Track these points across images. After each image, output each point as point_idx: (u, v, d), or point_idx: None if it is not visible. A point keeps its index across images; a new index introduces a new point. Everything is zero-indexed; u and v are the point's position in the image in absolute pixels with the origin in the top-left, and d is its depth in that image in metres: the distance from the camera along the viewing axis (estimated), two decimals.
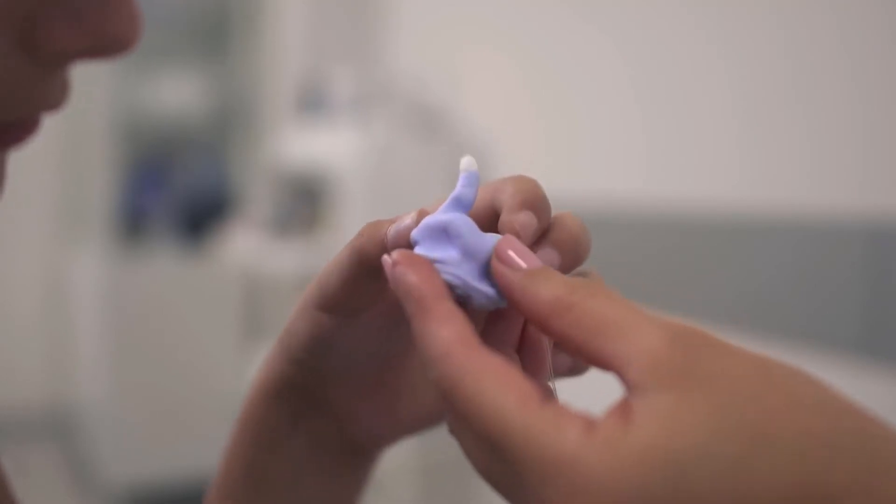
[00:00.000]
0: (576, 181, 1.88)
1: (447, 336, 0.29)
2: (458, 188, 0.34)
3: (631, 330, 0.27)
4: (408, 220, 0.34)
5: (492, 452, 0.27)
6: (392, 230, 0.34)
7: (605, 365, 0.27)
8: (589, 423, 0.26)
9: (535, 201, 0.35)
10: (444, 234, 0.33)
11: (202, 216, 3.54)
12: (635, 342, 0.26)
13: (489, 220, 0.36)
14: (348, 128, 2.47)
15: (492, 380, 0.27)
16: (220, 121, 3.86)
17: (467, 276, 0.32)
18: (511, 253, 0.31)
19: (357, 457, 0.43)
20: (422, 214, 0.34)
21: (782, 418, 0.25)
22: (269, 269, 2.78)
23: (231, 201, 3.60)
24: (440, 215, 0.33)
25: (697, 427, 0.24)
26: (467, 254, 0.32)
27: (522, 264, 0.31)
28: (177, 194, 3.58)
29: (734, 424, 0.24)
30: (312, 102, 2.80)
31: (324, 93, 2.73)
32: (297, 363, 0.39)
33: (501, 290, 0.31)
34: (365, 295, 0.36)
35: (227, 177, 3.75)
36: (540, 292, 0.29)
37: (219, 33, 3.84)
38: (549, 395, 0.29)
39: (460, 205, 0.34)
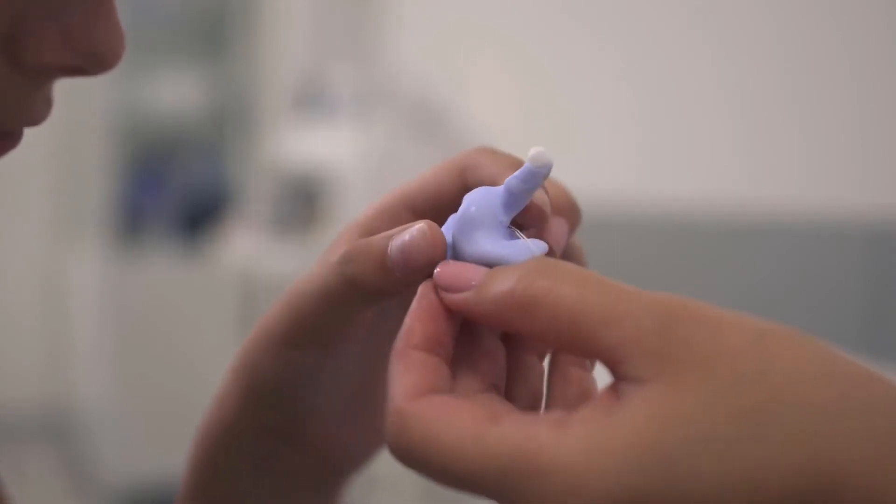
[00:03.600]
0: (578, 182, 1.87)
1: (398, 388, 0.26)
2: (514, 179, 0.29)
3: (613, 316, 0.24)
4: (407, 236, 0.29)
5: (474, 491, 0.24)
6: (396, 248, 0.29)
7: (590, 357, 0.25)
8: (560, 419, 0.24)
9: (564, 201, 0.31)
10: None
11: (200, 216, 3.53)
12: (620, 330, 0.24)
13: (451, 203, 0.32)
14: (348, 127, 2.46)
15: (437, 421, 0.24)
16: (219, 120, 3.85)
17: None
18: (454, 278, 0.27)
19: (336, 483, 0.39)
20: (431, 232, 0.29)
21: (783, 396, 0.23)
22: (267, 269, 2.78)
23: (229, 201, 3.59)
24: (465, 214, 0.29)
25: (694, 413, 0.22)
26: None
27: (472, 282, 0.27)
28: (175, 194, 3.57)
29: (733, 407, 0.22)
30: (312, 101, 2.80)
31: (324, 91, 2.73)
32: (263, 405, 0.35)
33: (462, 315, 0.28)
34: (352, 325, 0.32)
35: (226, 177, 3.75)
36: (499, 293, 0.26)
37: (217, 31, 3.83)
38: (512, 405, 0.26)
39: (510, 200, 0.29)
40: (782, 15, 1.42)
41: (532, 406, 0.30)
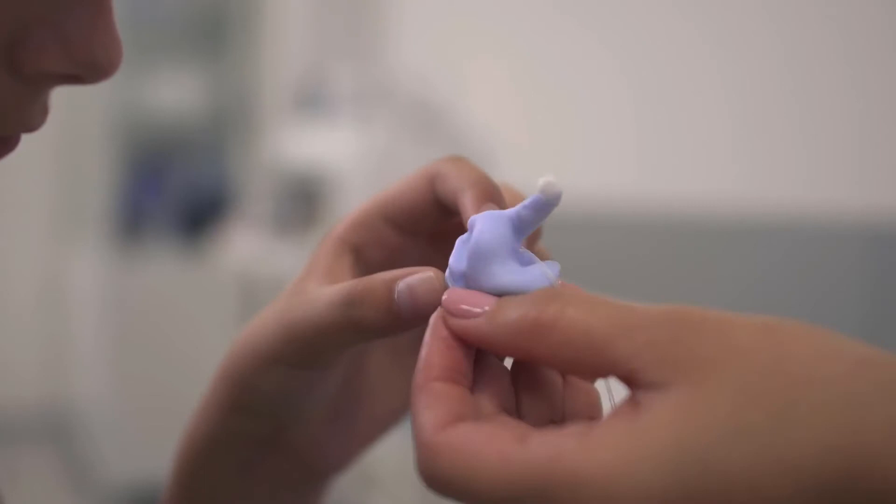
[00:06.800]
0: (578, 181, 1.87)
1: (424, 422, 0.26)
2: (525, 209, 0.29)
3: (624, 329, 0.25)
4: (416, 282, 0.30)
5: None
6: (405, 293, 0.30)
7: (606, 373, 0.25)
8: (583, 430, 0.24)
9: (492, 192, 0.32)
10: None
11: (200, 216, 3.53)
12: (633, 342, 0.25)
13: (426, 212, 0.34)
14: (348, 127, 2.46)
15: (466, 449, 0.25)
16: (219, 120, 3.85)
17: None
18: (464, 305, 0.28)
19: (319, 485, 0.40)
20: (438, 279, 0.30)
21: (800, 379, 0.24)
22: (267, 269, 2.78)
23: (229, 201, 3.59)
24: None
25: (719, 409, 0.23)
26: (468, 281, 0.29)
27: (478, 310, 0.28)
28: (175, 194, 3.57)
29: (756, 398, 0.23)
30: (312, 101, 2.80)
31: (323, 91, 2.73)
32: (249, 416, 0.35)
33: (472, 342, 0.28)
34: (353, 352, 0.34)
35: (226, 176, 3.75)
36: (511, 320, 0.27)
37: (217, 31, 3.83)
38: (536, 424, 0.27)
39: (521, 227, 0.29)
40: (782, 15, 1.42)
41: (554, 421, 0.30)
